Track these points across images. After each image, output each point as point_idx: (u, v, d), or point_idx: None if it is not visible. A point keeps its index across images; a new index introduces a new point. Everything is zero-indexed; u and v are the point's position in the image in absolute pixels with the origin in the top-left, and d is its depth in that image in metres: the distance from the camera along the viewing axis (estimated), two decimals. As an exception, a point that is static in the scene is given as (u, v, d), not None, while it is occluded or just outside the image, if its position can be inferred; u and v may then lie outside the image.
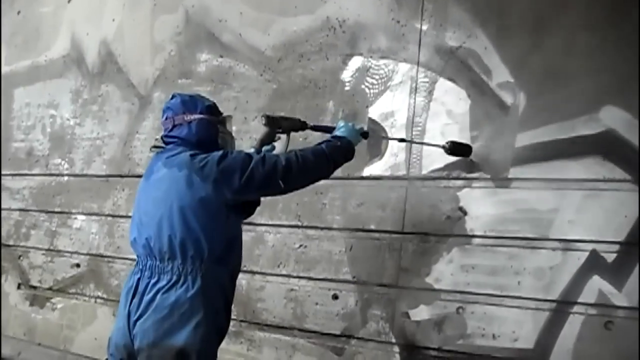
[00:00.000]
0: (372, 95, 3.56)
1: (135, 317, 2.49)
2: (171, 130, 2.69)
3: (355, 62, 3.64)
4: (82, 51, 5.11)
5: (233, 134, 2.88)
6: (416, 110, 3.39)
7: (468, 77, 3.25)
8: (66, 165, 5.08)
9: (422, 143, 3.33)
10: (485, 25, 3.22)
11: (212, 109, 2.74)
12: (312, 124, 2.88)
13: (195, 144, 2.64)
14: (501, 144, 3.13)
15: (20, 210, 5.37)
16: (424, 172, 3.34)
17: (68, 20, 5.27)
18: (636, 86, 2.80)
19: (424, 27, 3.40)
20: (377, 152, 3.50)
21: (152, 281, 2.50)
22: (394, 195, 3.42)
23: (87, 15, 5.13)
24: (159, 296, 2.46)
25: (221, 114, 2.78)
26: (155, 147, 2.80)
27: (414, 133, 3.38)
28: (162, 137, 2.76)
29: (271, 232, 3.85)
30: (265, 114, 2.80)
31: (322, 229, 3.65)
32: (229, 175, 2.47)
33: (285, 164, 2.52)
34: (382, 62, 3.55)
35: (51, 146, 5.23)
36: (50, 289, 5.03)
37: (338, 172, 3.53)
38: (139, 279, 2.55)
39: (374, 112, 3.53)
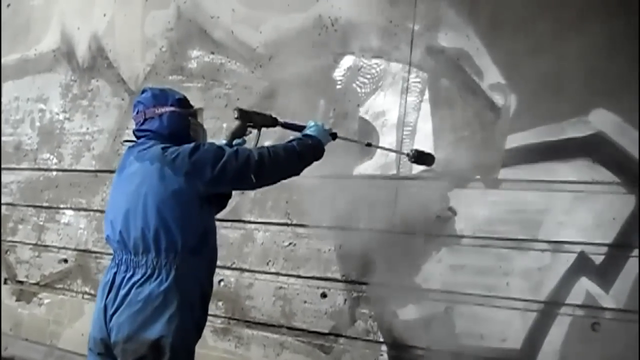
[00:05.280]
0: (363, 94, 3.56)
1: (112, 311, 2.49)
2: (142, 124, 2.68)
3: (347, 61, 3.64)
4: (72, 45, 5.07)
5: (204, 126, 2.87)
6: (407, 110, 3.40)
7: (459, 78, 3.26)
8: (55, 160, 5.05)
9: (386, 149, 3.36)
10: (477, 26, 3.23)
11: (182, 102, 2.73)
12: (283, 121, 2.88)
13: (167, 137, 2.64)
14: (491, 145, 3.14)
15: (8, 204, 5.33)
16: (414, 171, 3.35)
17: (58, 14, 5.22)
18: (628, 89, 2.82)
19: (416, 27, 3.41)
20: (367, 152, 3.50)
21: (128, 275, 2.50)
22: (384, 195, 3.42)
23: (78, 9, 5.09)
24: (133, 290, 2.46)
25: (192, 106, 2.78)
26: (126, 141, 2.80)
27: (404, 133, 3.39)
28: (133, 132, 2.76)
29: (260, 230, 3.84)
30: (238, 108, 2.81)
31: (311, 227, 3.65)
32: (201, 168, 2.48)
33: (258, 159, 2.52)
34: (373, 61, 3.55)
35: (40, 141, 5.19)
36: (37, 284, 5.00)
37: (328, 171, 3.56)
38: (115, 273, 2.55)
39: (365, 111, 3.54)
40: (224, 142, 2.72)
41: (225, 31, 4.16)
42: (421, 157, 3.11)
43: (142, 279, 2.46)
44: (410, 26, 3.42)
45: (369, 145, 3.18)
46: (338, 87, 3.64)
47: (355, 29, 3.62)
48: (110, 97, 4.76)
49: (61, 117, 5.07)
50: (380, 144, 3.45)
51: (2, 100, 5.54)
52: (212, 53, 4.21)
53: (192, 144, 2.53)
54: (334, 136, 2.88)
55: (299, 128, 2.85)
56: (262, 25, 3.98)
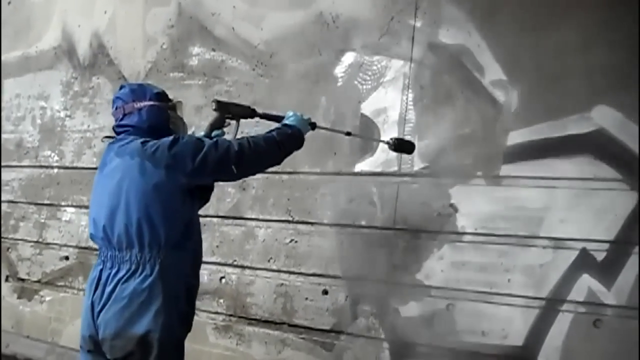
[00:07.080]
0: (364, 91, 3.55)
1: (99, 308, 2.49)
2: (122, 119, 2.68)
3: (348, 57, 3.63)
4: (73, 43, 5.07)
5: (184, 120, 2.86)
6: (408, 107, 3.39)
7: (461, 75, 3.25)
8: (56, 158, 5.05)
9: (367, 138, 3.41)
10: (478, 22, 3.22)
11: (161, 96, 2.72)
12: (261, 112, 2.88)
13: (147, 131, 2.63)
14: (493, 142, 3.13)
15: (9, 202, 5.33)
16: (416, 168, 3.35)
17: (59, 11, 5.22)
18: (629, 86, 2.81)
19: (418, 24, 3.40)
20: (368, 148, 3.50)
21: (113, 272, 2.49)
22: (386, 192, 3.42)
23: (78, 7, 5.08)
24: (119, 286, 2.45)
25: (170, 100, 2.77)
26: (106, 137, 2.78)
27: (406, 129, 3.38)
28: (113, 128, 2.74)
29: (262, 227, 3.84)
30: (216, 99, 2.81)
31: (313, 224, 3.65)
32: (181, 160, 2.47)
33: (238, 149, 2.52)
34: (375, 58, 3.54)
35: (41, 138, 5.19)
36: (38, 281, 5.01)
37: (329, 168, 3.57)
38: (101, 270, 2.54)
39: (367, 108, 3.53)
40: (203, 134, 2.72)
41: (226, 28, 4.15)
42: (401, 145, 3.10)
43: (127, 275, 2.45)
44: (412, 22, 3.42)
45: (348, 134, 3.15)
46: (339, 84, 3.64)
47: (357, 26, 3.61)
48: (111, 95, 4.72)
49: (62, 114, 5.07)
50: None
51: (4, 97, 5.55)
52: (213, 50, 4.21)
53: (171, 137, 2.52)
54: (313, 126, 2.88)
55: (278, 118, 2.86)
56: (263, 22, 3.97)
